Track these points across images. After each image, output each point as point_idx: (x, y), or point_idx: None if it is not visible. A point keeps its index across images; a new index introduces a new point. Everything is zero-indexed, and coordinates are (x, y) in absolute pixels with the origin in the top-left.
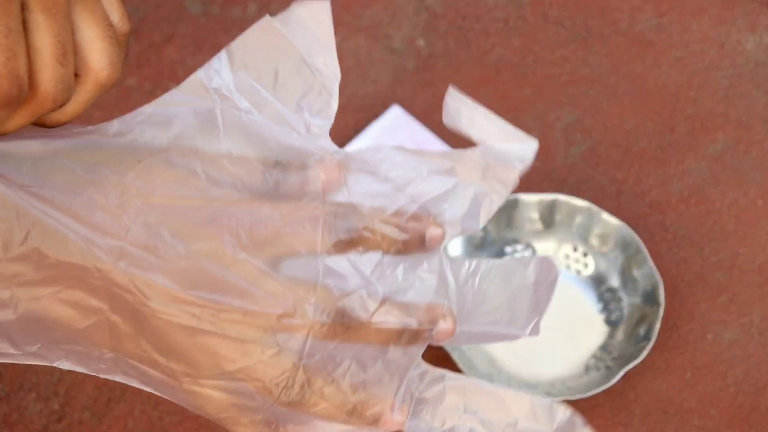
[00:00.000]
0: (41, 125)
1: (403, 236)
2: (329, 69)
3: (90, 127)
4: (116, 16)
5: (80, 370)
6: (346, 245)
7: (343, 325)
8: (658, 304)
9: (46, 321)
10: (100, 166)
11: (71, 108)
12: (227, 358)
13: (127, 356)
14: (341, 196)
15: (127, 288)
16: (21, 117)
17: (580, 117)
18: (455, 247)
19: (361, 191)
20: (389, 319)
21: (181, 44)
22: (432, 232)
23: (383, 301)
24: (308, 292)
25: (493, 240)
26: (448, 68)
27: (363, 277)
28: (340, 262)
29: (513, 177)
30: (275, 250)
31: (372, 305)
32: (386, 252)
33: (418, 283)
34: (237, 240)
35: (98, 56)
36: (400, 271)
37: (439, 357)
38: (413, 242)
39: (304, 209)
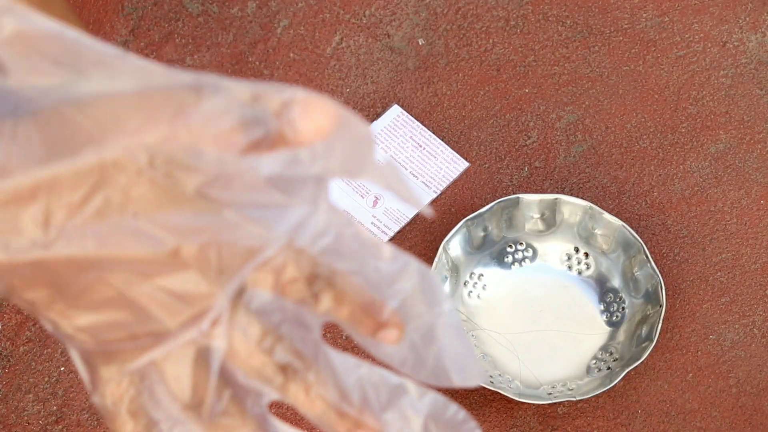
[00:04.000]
0: None
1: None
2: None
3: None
4: None
5: None
6: None
7: None
8: (659, 305)
9: None
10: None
11: None
12: None
13: None
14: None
15: None
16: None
17: (581, 116)
18: (455, 247)
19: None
20: None
21: (180, 43)
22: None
23: None
24: None
25: (494, 240)
26: (449, 67)
27: None
28: None
29: None
30: None
31: None
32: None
33: None
34: None
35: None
36: None
37: None
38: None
39: None
